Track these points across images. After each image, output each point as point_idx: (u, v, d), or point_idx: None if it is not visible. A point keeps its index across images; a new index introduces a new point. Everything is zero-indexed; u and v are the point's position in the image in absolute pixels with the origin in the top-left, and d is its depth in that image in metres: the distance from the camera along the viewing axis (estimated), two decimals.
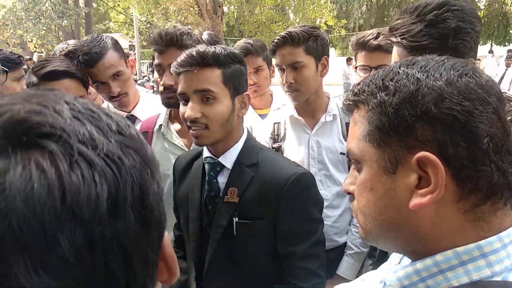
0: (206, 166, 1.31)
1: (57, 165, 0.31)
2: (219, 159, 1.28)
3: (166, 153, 1.67)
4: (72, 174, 0.32)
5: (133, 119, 2.01)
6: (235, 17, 18.70)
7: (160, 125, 1.70)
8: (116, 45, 1.90)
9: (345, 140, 1.78)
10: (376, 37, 1.94)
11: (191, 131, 1.23)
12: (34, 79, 1.60)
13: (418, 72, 0.59)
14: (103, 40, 1.85)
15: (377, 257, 1.83)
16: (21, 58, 2.44)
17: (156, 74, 1.66)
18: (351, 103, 0.66)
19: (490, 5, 22.40)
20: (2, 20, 23.82)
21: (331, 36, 20.50)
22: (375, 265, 1.81)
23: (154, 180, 0.40)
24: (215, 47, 1.20)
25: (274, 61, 2.26)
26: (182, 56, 1.20)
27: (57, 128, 0.33)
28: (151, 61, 20.28)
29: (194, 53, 1.18)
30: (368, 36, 1.97)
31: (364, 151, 0.62)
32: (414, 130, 0.56)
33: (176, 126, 1.72)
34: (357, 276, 1.88)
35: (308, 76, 1.69)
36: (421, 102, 0.56)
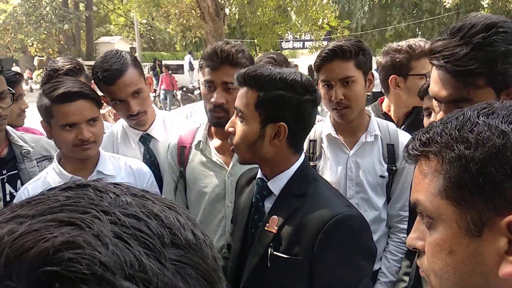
0: (256, 187, 1.29)
1: None
2: (268, 183, 1.24)
3: (204, 170, 1.63)
4: None
5: (148, 138, 1.93)
6: (237, 18, 18.61)
7: (199, 141, 1.66)
8: (135, 61, 1.82)
9: (385, 162, 1.67)
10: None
11: None
12: (46, 101, 1.50)
13: (502, 123, 0.53)
14: (123, 56, 1.77)
15: (411, 283, 1.72)
16: (18, 75, 2.25)
17: (204, 89, 1.61)
18: (419, 153, 0.60)
19: (493, 3, 22.27)
20: (3, 25, 23.80)
21: (333, 37, 20.38)
22: None
23: None
24: (270, 69, 1.16)
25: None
26: (237, 72, 1.23)
27: (96, 263, 0.27)
28: (152, 64, 20.17)
29: (244, 72, 1.19)
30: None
31: (439, 208, 0.57)
32: (503, 190, 0.51)
33: (215, 142, 1.66)
34: None
35: (358, 91, 1.59)
36: (511, 159, 0.51)
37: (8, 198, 1.71)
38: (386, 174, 1.66)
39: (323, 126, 1.77)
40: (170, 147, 1.74)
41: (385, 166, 1.67)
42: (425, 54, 1.80)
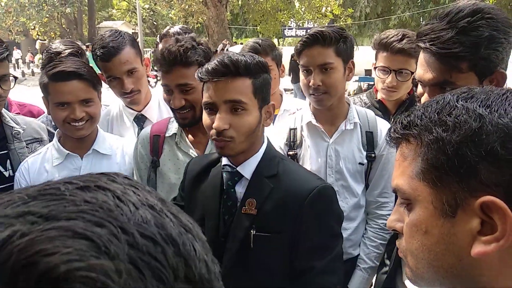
0: (224, 174, 1.29)
1: None
2: (238, 169, 1.26)
3: (178, 162, 1.62)
4: None
5: (143, 119, 1.98)
6: (240, 5, 18.48)
7: (174, 134, 1.64)
8: (133, 42, 1.89)
9: (364, 149, 1.69)
10: (401, 40, 1.87)
11: (216, 142, 1.21)
12: (45, 78, 1.57)
13: (480, 106, 0.55)
14: (121, 35, 1.84)
15: (391, 266, 1.76)
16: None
17: (164, 93, 1.60)
18: (399, 136, 0.62)
19: None
20: (5, 7, 23.65)
21: (337, 25, 20.23)
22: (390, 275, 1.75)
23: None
24: (244, 56, 1.17)
25: (282, 61, 2.24)
26: (213, 64, 1.16)
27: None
28: (155, 48, 20.07)
29: (227, 61, 1.15)
30: (392, 37, 1.90)
31: (417, 190, 0.59)
32: (477, 172, 0.52)
33: (189, 136, 1.66)
34: None
35: (336, 79, 1.58)
36: (485, 142, 0.52)
37: None
38: (365, 161, 1.68)
39: (303, 114, 1.77)
40: (140, 137, 1.71)
41: (364, 153, 1.68)
42: None
